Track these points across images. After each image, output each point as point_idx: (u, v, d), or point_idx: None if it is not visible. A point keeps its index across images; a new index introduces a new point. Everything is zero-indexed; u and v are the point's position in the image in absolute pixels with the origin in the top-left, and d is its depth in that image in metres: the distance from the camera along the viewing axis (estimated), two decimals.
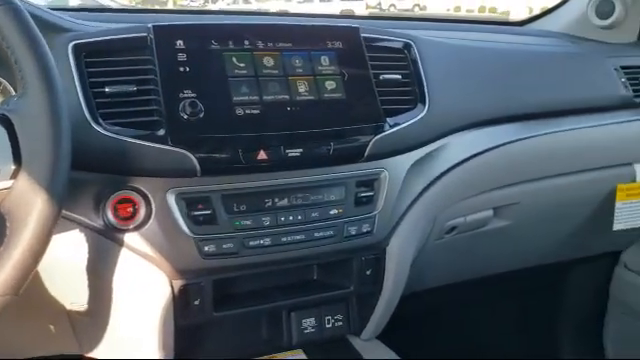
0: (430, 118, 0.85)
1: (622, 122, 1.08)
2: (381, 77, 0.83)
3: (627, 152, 1.09)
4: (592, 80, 1.09)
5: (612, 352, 1.40)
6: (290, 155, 0.74)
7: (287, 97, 0.75)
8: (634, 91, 1.10)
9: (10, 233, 0.53)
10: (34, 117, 0.55)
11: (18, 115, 0.55)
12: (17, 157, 0.54)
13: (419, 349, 1.15)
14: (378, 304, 0.88)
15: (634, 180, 1.10)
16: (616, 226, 1.11)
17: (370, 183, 0.82)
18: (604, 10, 1.23)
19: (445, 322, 1.41)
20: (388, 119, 0.80)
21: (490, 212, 1.02)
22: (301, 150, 0.74)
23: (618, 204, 1.10)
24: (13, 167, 0.54)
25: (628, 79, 1.11)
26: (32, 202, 0.53)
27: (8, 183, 0.54)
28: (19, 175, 0.54)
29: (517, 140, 0.97)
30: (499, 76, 1.00)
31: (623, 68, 1.11)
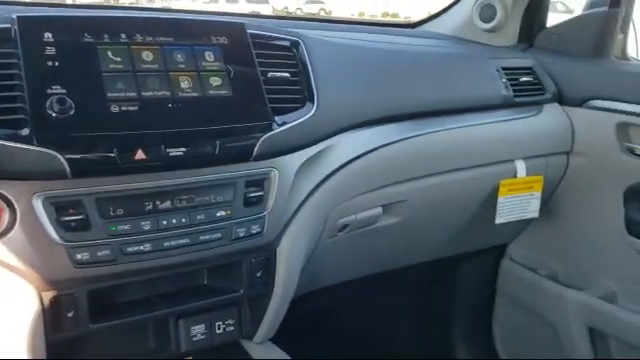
0: (319, 117, 0.84)
1: (504, 121, 1.14)
2: (269, 75, 0.82)
3: (509, 149, 1.15)
4: (476, 80, 1.14)
5: (501, 344, 1.48)
6: (172, 155, 0.71)
7: (168, 93, 0.72)
8: (514, 91, 1.16)
9: None
10: None
11: None
12: None
13: (314, 349, 1.15)
14: (270, 306, 0.87)
15: (515, 176, 1.16)
16: (498, 220, 1.17)
17: (260, 183, 0.80)
18: (487, 14, 1.29)
19: (340, 320, 1.42)
20: (276, 117, 0.79)
21: (379, 210, 1.03)
22: (184, 149, 0.71)
23: (500, 199, 1.15)
24: None
25: (508, 79, 1.16)
26: None
27: None
28: None
29: (405, 139, 0.99)
30: (388, 76, 1.02)
31: (504, 69, 1.17)
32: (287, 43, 0.87)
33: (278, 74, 0.83)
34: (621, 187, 1.16)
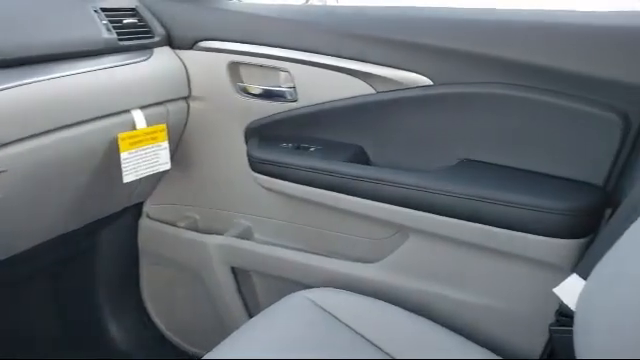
0: None
1: (112, 67, 1.02)
2: None
3: (121, 99, 1.04)
4: (71, 22, 0.98)
5: (151, 305, 1.41)
6: None
7: None
8: (118, 34, 1.05)
9: None
10: None
11: None
12: None
13: None
14: None
15: (134, 127, 1.07)
16: (126, 178, 1.06)
17: None
18: None
19: None
20: None
21: None
22: None
23: (124, 155, 1.05)
24: None
25: (110, 21, 1.04)
26: None
27: None
28: None
29: None
30: None
31: (103, 10, 1.04)
32: None
33: None
34: (241, 126, 1.19)
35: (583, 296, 0.74)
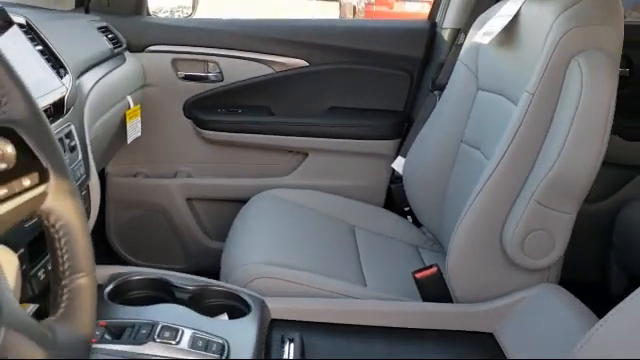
0: None
1: (114, 69, 1.52)
2: None
3: (123, 89, 1.55)
4: (92, 40, 1.47)
5: (117, 239, 1.88)
6: None
7: None
8: (113, 44, 1.55)
9: None
10: None
11: None
12: None
13: None
14: None
15: (129, 107, 1.59)
16: (129, 139, 1.59)
17: None
18: None
19: None
20: None
21: None
22: None
23: (128, 124, 1.57)
24: None
25: (106, 37, 1.54)
26: None
27: None
28: None
29: None
30: None
31: (99, 29, 1.54)
32: None
33: None
34: (180, 103, 1.78)
35: (405, 167, 1.60)
